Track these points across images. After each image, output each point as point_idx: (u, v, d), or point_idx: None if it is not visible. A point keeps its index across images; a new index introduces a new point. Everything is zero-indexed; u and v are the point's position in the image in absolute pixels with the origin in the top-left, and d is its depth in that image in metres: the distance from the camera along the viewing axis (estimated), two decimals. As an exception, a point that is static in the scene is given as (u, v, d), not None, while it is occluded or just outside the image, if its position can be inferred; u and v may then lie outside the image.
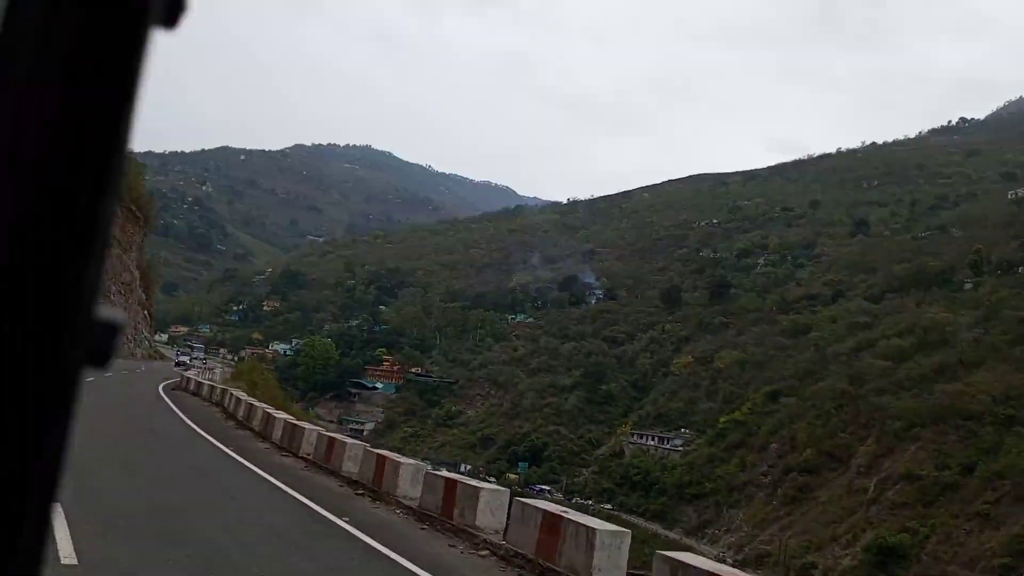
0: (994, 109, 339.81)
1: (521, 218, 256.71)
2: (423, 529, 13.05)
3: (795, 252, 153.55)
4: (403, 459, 16.36)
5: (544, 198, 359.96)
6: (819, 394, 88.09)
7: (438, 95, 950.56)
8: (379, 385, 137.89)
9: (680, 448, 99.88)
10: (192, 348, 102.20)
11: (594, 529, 9.64)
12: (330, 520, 12.72)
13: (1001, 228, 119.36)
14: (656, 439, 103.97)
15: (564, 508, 12.07)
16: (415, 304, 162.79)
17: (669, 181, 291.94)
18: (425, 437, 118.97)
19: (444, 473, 15.21)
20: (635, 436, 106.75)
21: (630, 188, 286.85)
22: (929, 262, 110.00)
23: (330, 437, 20.17)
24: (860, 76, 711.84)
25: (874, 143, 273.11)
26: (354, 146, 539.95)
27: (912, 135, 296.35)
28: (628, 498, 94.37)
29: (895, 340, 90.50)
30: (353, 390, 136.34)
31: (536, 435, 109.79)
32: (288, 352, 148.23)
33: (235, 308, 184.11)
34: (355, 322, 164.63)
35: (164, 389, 37.35)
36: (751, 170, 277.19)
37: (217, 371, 64.78)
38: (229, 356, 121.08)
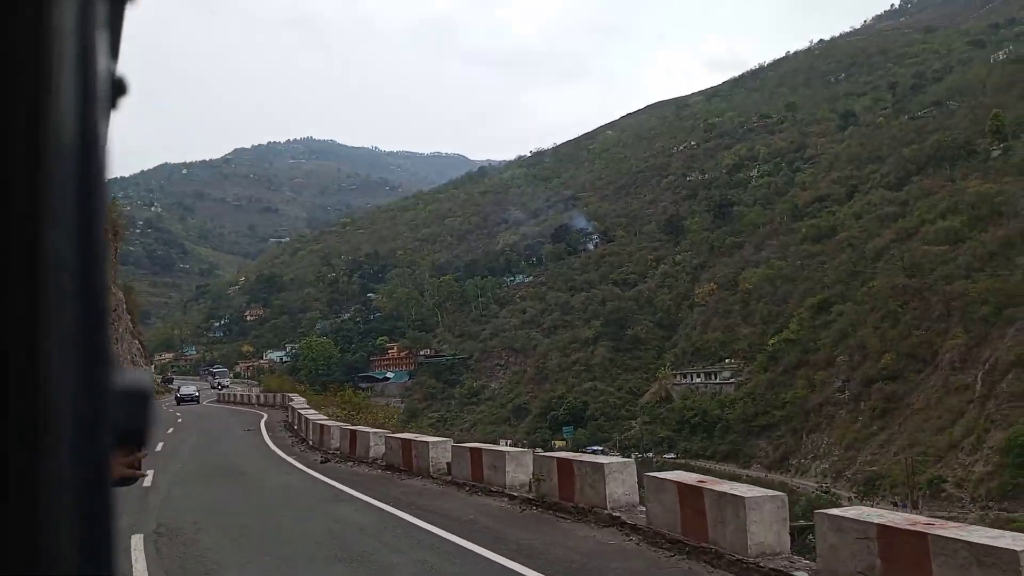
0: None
1: (488, 179, 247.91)
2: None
3: (788, 157, 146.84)
4: (501, 448, 16.30)
5: (498, 159, 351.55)
6: (876, 295, 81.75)
7: (370, 74, 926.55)
8: (390, 375, 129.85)
9: (731, 381, 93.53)
10: (213, 374, 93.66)
11: (742, 497, 8.24)
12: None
13: (1002, 91, 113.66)
14: (702, 376, 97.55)
15: (701, 478, 10.00)
16: (406, 285, 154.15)
17: (628, 115, 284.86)
18: (453, 419, 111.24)
19: (557, 453, 13.55)
20: (678, 377, 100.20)
21: (589, 130, 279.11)
22: (943, 137, 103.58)
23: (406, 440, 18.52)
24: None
25: (822, 40, 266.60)
26: (296, 140, 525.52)
27: (857, 26, 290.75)
28: (690, 443, 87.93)
29: (941, 223, 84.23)
30: (363, 385, 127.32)
31: (572, 395, 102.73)
32: (285, 359, 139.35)
33: (216, 324, 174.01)
34: (347, 315, 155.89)
35: (276, 442, 26.35)
36: (711, 87, 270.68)
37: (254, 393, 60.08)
38: (245, 375, 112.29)
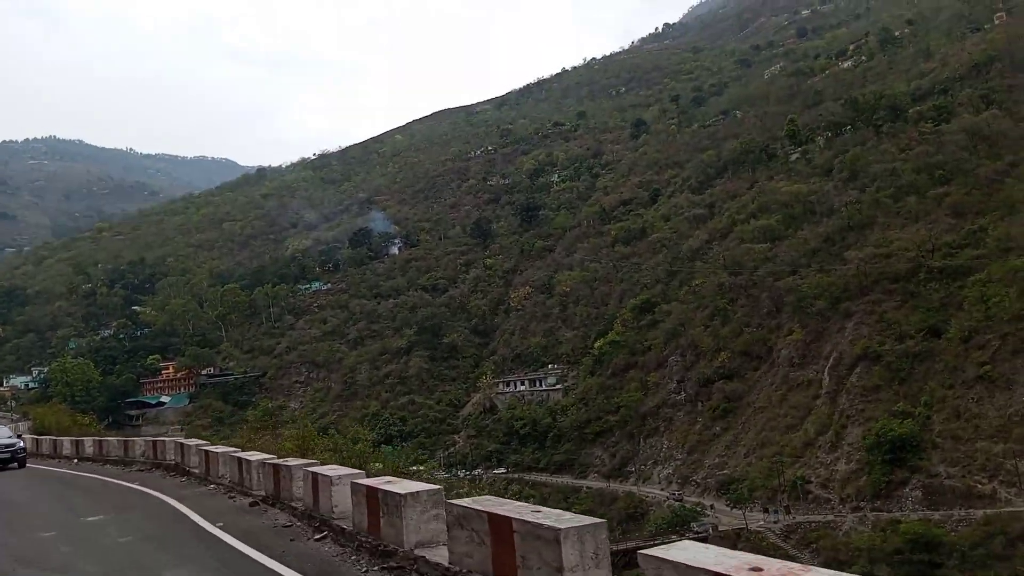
0: (687, 11, 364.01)
1: (270, 181, 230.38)
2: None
3: (588, 163, 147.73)
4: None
5: (269, 164, 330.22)
6: (700, 293, 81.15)
7: (123, 70, 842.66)
8: (166, 399, 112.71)
9: (558, 387, 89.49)
10: None
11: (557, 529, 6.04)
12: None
13: (784, 101, 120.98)
14: (527, 383, 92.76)
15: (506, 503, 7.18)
16: (181, 295, 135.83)
17: (416, 120, 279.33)
18: (246, 446, 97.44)
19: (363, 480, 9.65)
20: (501, 385, 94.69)
21: (377, 134, 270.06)
22: (744, 142, 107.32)
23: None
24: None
25: (594, 58, 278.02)
26: (36, 139, 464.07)
27: (626, 46, 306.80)
28: (520, 455, 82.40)
29: (755, 222, 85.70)
30: (133, 411, 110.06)
31: (388, 411, 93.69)
32: (32, 384, 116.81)
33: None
34: (108, 332, 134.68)
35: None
36: (499, 96, 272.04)
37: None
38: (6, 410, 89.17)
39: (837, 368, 59.49)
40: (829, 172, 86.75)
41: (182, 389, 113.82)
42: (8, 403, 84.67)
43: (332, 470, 10.99)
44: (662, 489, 66.14)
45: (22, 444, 25.69)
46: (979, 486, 44.72)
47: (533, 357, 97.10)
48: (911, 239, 63.96)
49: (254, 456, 14.87)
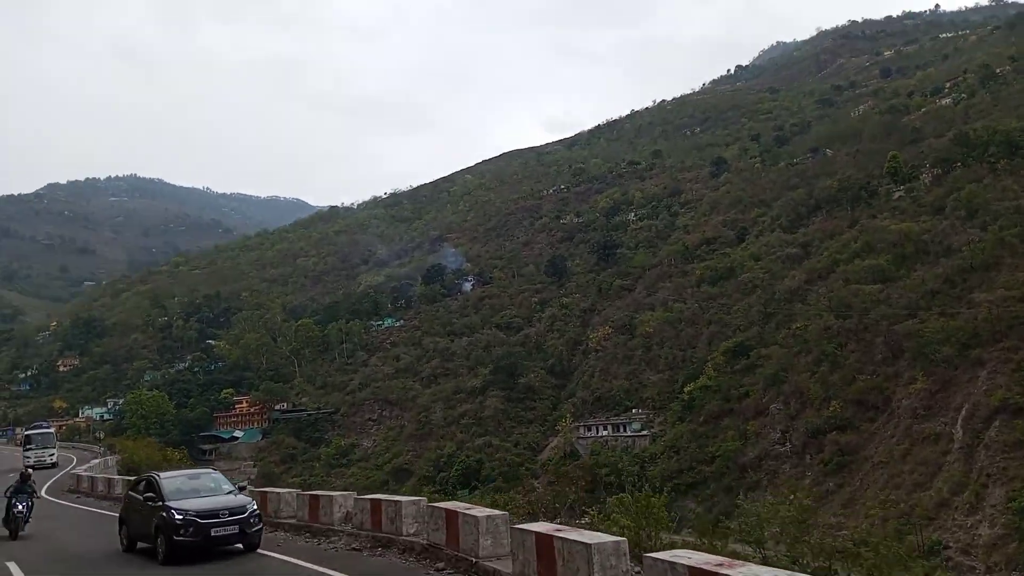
0: (758, 54, 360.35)
1: (342, 219, 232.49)
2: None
3: (665, 202, 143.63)
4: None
5: (340, 204, 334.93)
6: (804, 337, 75.76)
7: (204, 111, 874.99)
8: (239, 433, 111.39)
9: (644, 433, 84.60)
10: (30, 440, 49.58)
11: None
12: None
13: (879, 139, 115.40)
14: (609, 427, 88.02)
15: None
16: (255, 330, 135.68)
17: (484, 161, 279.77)
18: (317, 484, 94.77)
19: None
20: (581, 429, 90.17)
21: (445, 174, 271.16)
22: (844, 179, 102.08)
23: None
24: (620, 49, 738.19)
25: (664, 100, 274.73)
26: (118, 177, 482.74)
27: (697, 88, 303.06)
28: (605, 505, 77.34)
29: (861, 262, 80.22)
30: (206, 446, 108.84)
31: (464, 453, 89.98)
32: (107, 416, 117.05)
33: (21, 376, 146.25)
34: (183, 365, 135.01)
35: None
36: (568, 137, 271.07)
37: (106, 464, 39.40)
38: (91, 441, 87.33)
39: (971, 421, 53.63)
40: (941, 210, 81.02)
41: (255, 424, 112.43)
42: (96, 433, 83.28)
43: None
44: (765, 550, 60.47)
45: (255, 507, 15.51)
46: None
47: (615, 400, 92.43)
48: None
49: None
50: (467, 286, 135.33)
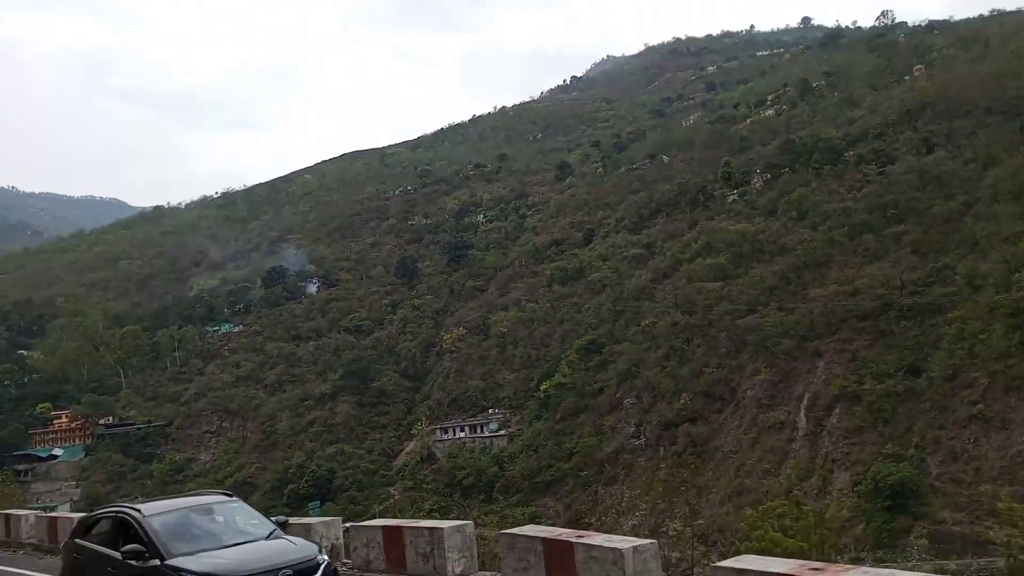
0: (590, 66, 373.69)
1: (169, 219, 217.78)
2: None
3: (513, 204, 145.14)
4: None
5: (165, 204, 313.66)
6: (652, 333, 78.33)
7: (4, 104, 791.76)
8: (58, 451, 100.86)
9: (501, 433, 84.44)
10: None
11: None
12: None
13: (711, 147, 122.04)
14: (466, 429, 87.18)
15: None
16: (74, 338, 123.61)
17: (325, 161, 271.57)
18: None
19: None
20: (438, 432, 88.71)
21: (283, 174, 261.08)
22: (683, 184, 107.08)
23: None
24: (457, 56, 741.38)
25: (505, 106, 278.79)
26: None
27: (536, 96, 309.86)
28: (464, 508, 76.33)
29: (702, 261, 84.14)
30: (21, 466, 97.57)
31: (315, 463, 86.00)
32: None
33: None
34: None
35: None
36: (411, 140, 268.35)
37: None
38: None
39: (813, 409, 57.27)
40: (773, 212, 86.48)
41: (77, 441, 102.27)
42: None
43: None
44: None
45: (326, 560, 9.81)
46: (990, 532, 42.49)
47: (471, 401, 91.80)
48: (875, 276, 63.19)
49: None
50: (312, 288, 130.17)
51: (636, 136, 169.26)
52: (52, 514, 20.28)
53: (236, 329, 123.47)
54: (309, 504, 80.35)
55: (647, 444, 68.85)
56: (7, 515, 19.97)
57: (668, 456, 66.23)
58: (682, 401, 67.84)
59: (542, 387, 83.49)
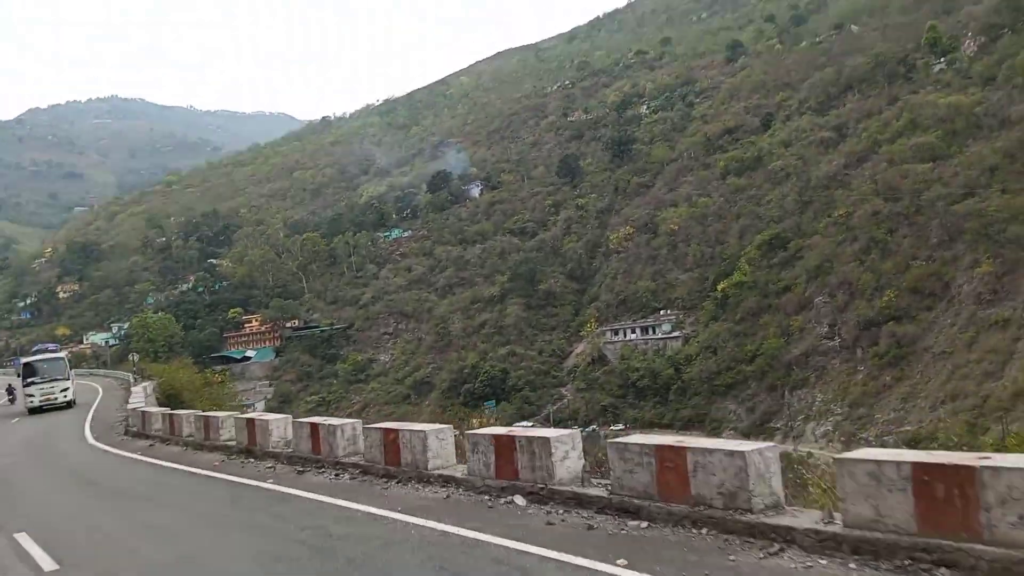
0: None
1: (335, 129, 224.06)
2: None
3: (681, 91, 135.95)
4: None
5: (332, 115, 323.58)
6: (849, 224, 70.89)
7: (179, 26, 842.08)
8: (251, 353, 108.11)
9: (675, 335, 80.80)
10: (29, 369, 34.95)
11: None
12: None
13: (910, 11, 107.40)
14: (638, 331, 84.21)
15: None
16: (258, 246, 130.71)
17: (479, 62, 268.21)
18: (338, 401, 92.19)
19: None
20: (608, 333, 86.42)
21: (439, 77, 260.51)
22: (872, 55, 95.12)
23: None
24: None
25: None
26: (99, 99, 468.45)
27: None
28: (640, 411, 74.43)
29: (909, 140, 74.45)
30: (218, 367, 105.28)
31: (488, 364, 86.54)
32: (113, 341, 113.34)
33: (21, 304, 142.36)
34: (187, 285, 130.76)
35: None
36: (566, 32, 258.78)
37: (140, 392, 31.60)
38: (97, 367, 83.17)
39: (1049, 304, 49.49)
40: (991, 80, 74.71)
41: (267, 343, 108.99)
42: (132, 356, 78.55)
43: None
44: (821, 448, 57.36)
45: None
46: None
47: (641, 303, 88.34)
48: None
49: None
50: (475, 191, 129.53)
51: (817, 6, 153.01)
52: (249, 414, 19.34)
53: (406, 234, 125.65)
54: (485, 404, 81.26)
55: (843, 346, 63.15)
56: (207, 418, 18.84)
57: (868, 358, 60.57)
58: (885, 298, 61.14)
59: (719, 286, 78.58)
